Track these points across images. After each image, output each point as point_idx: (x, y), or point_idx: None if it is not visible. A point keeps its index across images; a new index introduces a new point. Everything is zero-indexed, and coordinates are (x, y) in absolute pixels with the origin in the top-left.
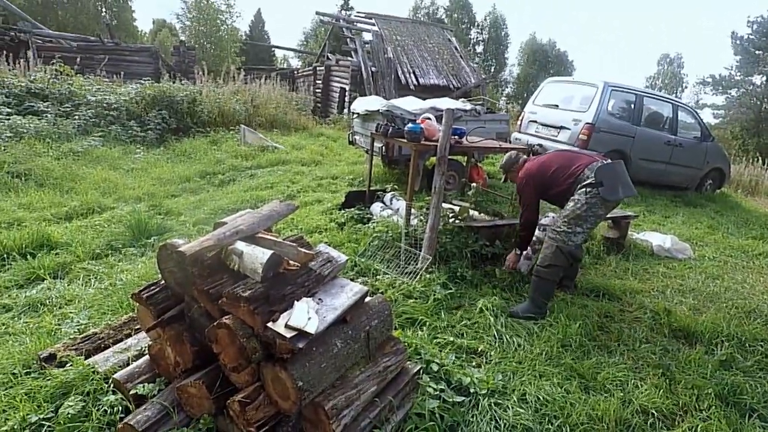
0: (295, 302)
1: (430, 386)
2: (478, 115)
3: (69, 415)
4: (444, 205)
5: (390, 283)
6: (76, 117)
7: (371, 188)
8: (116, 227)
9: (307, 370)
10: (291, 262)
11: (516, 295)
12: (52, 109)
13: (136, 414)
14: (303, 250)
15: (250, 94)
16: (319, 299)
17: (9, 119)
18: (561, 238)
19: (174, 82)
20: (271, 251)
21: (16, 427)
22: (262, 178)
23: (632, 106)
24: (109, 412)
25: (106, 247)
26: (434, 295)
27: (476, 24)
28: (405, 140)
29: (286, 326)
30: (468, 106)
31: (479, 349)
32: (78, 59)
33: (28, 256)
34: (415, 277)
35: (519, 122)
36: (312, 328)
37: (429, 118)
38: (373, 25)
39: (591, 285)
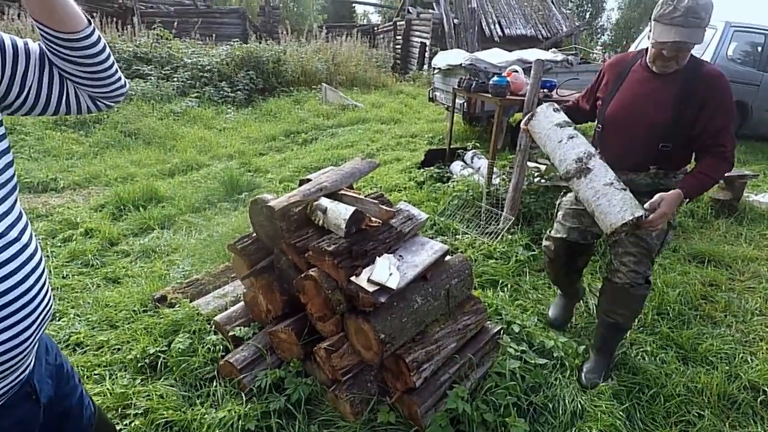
0: (377, 258)
1: (511, 347)
2: (570, 66)
3: (180, 350)
4: (529, 163)
5: (470, 243)
6: (175, 79)
7: (452, 146)
8: (211, 183)
9: (389, 323)
10: (373, 218)
11: (603, 259)
12: (155, 72)
13: (235, 353)
14: (384, 207)
15: (331, 52)
16: (400, 256)
17: None
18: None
19: (260, 43)
20: (354, 207)
21: (138, 356)
22: (343, 136)
23: (759, 49)
24: (212, 349)
25: (204, 202)
26: (516, 256)
27: None
28: (489, 95)
29: (369, 281)
30: (559, 57)
31: None
32: (175, 23)
33: (140, 208)
34: (496, 238)
35: None
36: (393, 283)
37: (516, 71)
38: None
39: (694, 251)
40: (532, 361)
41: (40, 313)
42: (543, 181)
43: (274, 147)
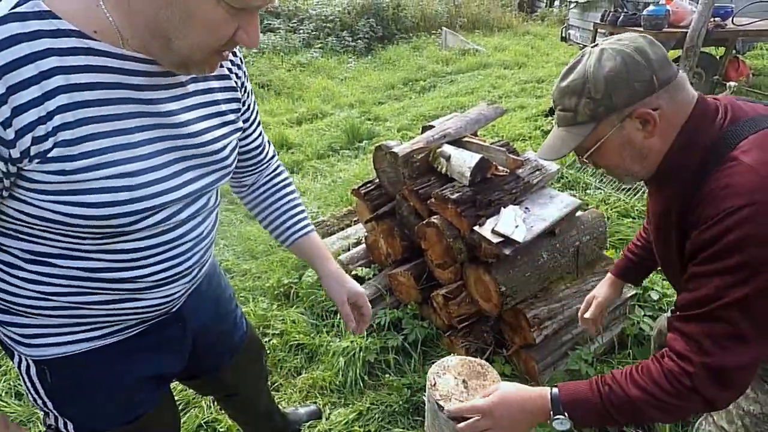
0: (502, 209)
1: (644, 321)
2: None
3: (308, 283)
4: None
5: (603, 199)
6: (301, 31)
7: None
8: (334, 131)
9: (511, 276)
10: (499, 167)
11: None
12: (283, 26)
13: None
14: (511, 156)
15: None
16: (526, 208)
17: None
18: None
19: None
20: (480, 155)
21: (274, 284)
22: (463, 83)
23: None
24: None
25: (328, 149)
26: None
27: None
28: (641, 29)
29: (493, 232)
30: None
31: None
32: None
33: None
34: (635, 195)
35: None
36: (519, 236)
37: None
38: None
39: None
40: None
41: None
42: None
43: (392, 95)
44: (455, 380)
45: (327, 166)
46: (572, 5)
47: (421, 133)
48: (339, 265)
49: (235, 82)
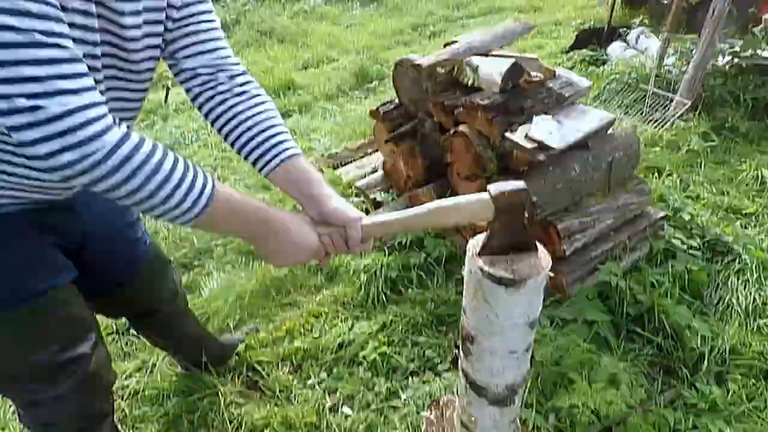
0: (535, 117)
1: (675, 237)
2: None
3: None
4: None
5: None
6: None
7: (612, 25)
8: (342, 74)
9: (542, 187)
10: (532, 74)
11: None
12: None
13: (376, 213)
14: (544, 65)
15: None
16: (559, 121)
17: None
18: None
19: None
20: (513, 60)
21: (290, 209)
22: (473, 28)
23: None
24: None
25: (336, 90)
26: (689, 145)
27: None
28: None
29: (526, 137)
30: None
31: (749, 211)
32: None
33: (281, 95)
34: (664, 125)
35: None
36: (554, 142)
37: None
38: None
39: None
40: (699, 254)
41: None
42: (737, 59)
43: (401, 41)
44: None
45: (336, 106)
46: None
47: (443, 48)
48: (357, 190)
49: None
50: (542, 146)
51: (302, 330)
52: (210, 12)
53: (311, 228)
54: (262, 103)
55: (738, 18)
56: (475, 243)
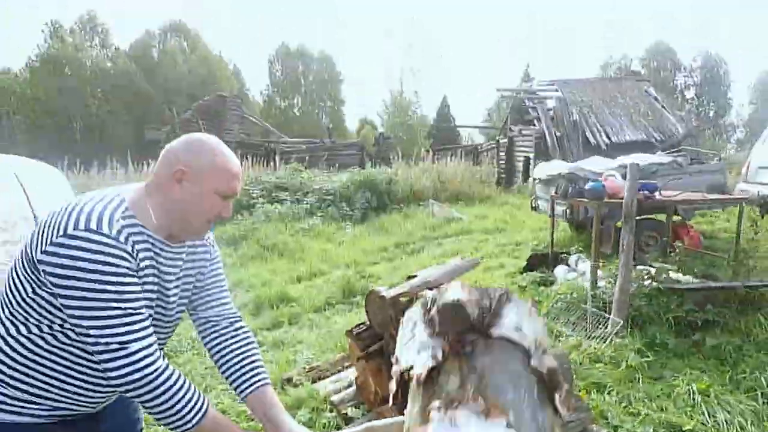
0: None
1: None
2: (679, 168)
3: (301, 422)
4: (640, 267)
5: (575, 345)
6: (305, 202)
7: (555, 251)
8: (331, 287)
9: None
10: None
11: (736, 369)
12: (290, 197)
13: (345, 430)
14: None
15: (437, 171)
16: None
17: (263, 206)
18: None
19: (374, 168)
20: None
21: None
22: (448, 246)
23: None
24: (327, 425)
25: (324, 303)
26: (627, 361)
27: (682, 68)
28: (586, 200)
29: None
30: (666, 159)
31: (687, 428)
32: (306, 158)
33: (274, 307)
34: (604, 342)
35: (744, 171)
36: None
37: (613, 176)
38: (556, 91)
39: None
40: None
41: None
42: (654, 283)
43: (385, 257)
44: None
45: (323, 318)
46: (537, 181)
47: (406, 281)
48: (330, 405)
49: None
50: None
51: None
52: (220, 275)
53: None
54: (249, 343)
55: (658, 244)
56: None
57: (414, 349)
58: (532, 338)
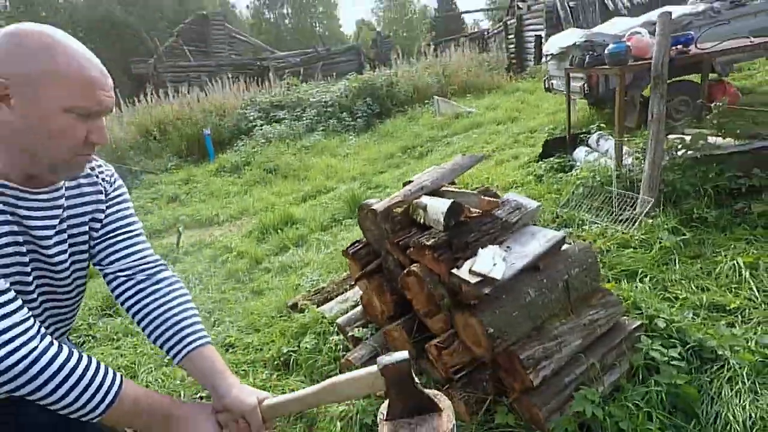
0: (480, 249)
1: (653, 349)
2: (716, 15)
3: (307, 349)
4: (671, 136)
5: (600, 233)
6: (304, 118)
7: (572, 132)
8: (337, 203)
9: (497, 317)
10: (472, 209)
11: None
12: (288, 115)
13: (354, 352)
14: (486, 198)
15: (441, 65)
16: (507, 247)
17: (262, 128)
18: None
19: (374, 72)
20: (451, 200)
21: (275, 354)
22: (458, 144)
23: None
24: (334, 348)
25: (331, 220)
26: (660, 243)
27: None
28: (607, 67)
29: (470, 272)
30: (701, 6)
31: (732, 306)
32: (301, 70)
33: (279, 231)
34: (633, 224)
35: None
36: (497, 273)
37: (638, 33)
38: None
39: None
40: (682, 365)
41: None
42: (689, 152)
43: (392, 164)
44: None
45: (330, 236)
46: (549, 58)
47: (402, 188)
48: (337, 328)
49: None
50: (487, 279)
51: None
52: (128, 218)
53: (212, 422)
54: (176, 297)
55: (692, 108)
56: (383, 409)
57: None
58: None
